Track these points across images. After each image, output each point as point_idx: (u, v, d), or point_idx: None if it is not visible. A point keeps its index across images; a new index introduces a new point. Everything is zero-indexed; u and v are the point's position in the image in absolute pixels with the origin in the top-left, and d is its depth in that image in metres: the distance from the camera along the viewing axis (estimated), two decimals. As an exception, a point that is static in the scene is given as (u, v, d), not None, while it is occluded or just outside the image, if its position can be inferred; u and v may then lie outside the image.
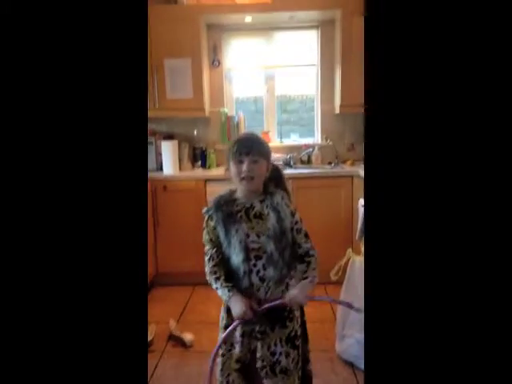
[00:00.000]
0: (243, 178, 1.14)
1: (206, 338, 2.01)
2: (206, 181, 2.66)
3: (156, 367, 1.85)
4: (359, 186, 2.52)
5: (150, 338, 2.01)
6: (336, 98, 2.93)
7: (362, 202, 1.97)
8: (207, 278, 1.18)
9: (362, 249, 1.78)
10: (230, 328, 1.11)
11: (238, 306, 1.11)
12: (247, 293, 1.13)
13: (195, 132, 3.07)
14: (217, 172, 2.81)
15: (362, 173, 2.51)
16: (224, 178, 2.59)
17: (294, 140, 3.16)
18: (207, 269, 1.18)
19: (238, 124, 3.03)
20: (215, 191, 2.57)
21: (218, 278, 1.15)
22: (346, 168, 2.79)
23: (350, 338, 1.75)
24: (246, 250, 1.12)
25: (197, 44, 2.74)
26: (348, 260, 1.78)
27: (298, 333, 1.19)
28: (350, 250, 1.82)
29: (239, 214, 1.16)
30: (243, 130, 3.06)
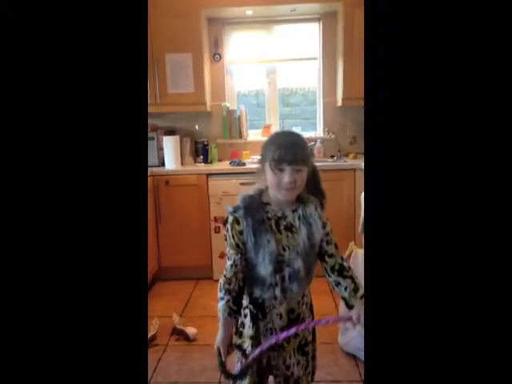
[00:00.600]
0: (283, 189, 1.01)
1: (209, 331, 2.02)
2: (208, 175, 2.66)
3: (159, 361, 1.86)
4: (361, 179, 2.52)
5: (153, 333, 2.02)
6: (338, 91, 2.91)
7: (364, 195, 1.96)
8: (221, 281, 1.07)
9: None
10: (252, 356, 1.03)
11: (220, 336, 1.05)
12: (269, 305, 1.06)
13: (197, 127, 3.07)
14: (218, 166, 2.81)
15: (364, 166, 2.50)
16: (226, 172, 2.63)
17: (296, 134, 3.14)
18: (227, 273, 1.06)
19: (239, 118, 3.02)
20: (217, 185, 2.62)
21: (228, 292, 1.05)
22: (349, 161, 2.78)
23: (353, 331, 1.75)
24: (276, 263, 1.02)
25: (197, 38, 2.73)
26: (350, 253, 1.78)
27: (308, 339, 1.15)
28: (352, 243, 1.82)
29: (269, 223, 1.04)
30: (245, 123, 3.05)
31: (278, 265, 1.03)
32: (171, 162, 2.75)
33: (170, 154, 2.75)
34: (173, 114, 3.03)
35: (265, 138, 3.07)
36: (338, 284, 1.08)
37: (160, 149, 2.86)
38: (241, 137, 3.04)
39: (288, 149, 1.00)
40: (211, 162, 2.93)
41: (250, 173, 2.64)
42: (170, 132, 2.98)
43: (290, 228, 1.05)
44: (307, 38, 3.04)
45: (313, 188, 1.10)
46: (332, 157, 2.96)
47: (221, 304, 1.05)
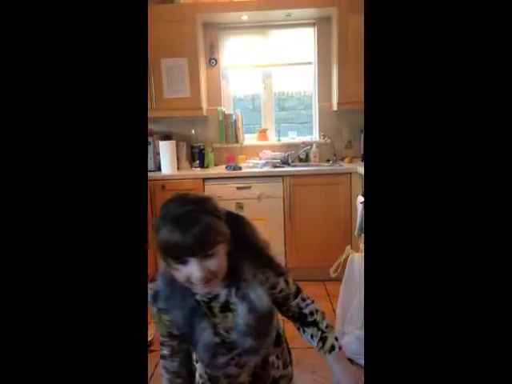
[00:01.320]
0: (196, 285, 0.76)
1: (206, 336, 2.01)
2: (204, 180, 2.66)
3: (156, 367, 1.85)
4: (357, 183, 2.52)
5: (149, 338, 2.01)
6: (333, 95, 2.93)
7: (360, 198, 1.97)
8: (166, 376, 0.89)
9: (361, 245, 1.78)
10: None
11: None
12: (227, 378, 0.90)
13: (193, 131, 3.07)
14: (215, 171, 2.81)
15: (360, 170, 2.51)
16: (222, 177, 2.63)
17: (292, 138, 3.16)
18: (168, 366, 0.88)
19: (235, 122, 3.03)
20: (213, 190, 2.61)
21: None
22: (345, 165, 2.79)
23: (349, 335, 1.75)
24: (213, 352, 0.83)
25: (193, 43, 2.74)
26: (347, 257, 1.78)
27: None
28: (348, 247, 1.82)
29: (201, 309, 0.82)
30: (241, 128, 3.05)
31: (229, 344, 0.84)
32: (167, 167, 2.75)
33: (166, 159, 2.75)
34: (169, 118, 3.03)
35: (261, 143, 3.05)
36: (304, 331, 0.92)
37: (156, 153, 2.86)
38: (237, 141, 3.05)
39: (185, 231, 0.70)
40: (207, 167, 2.93)
41: (247, 177, 2.66)
42: (166, 137, 2.98)
43: (227, 307, 0.82)
44: (302, 42, 3.06)
45: (248, 243, 0.83)
46: (328, 161, 2.97)
47: None
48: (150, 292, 0.83)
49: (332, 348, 0.90)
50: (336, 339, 0.92)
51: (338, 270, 1.80)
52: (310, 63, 3.09)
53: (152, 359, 1.89)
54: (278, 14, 2.85)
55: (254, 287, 0.81)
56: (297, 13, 2.83)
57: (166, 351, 0.87)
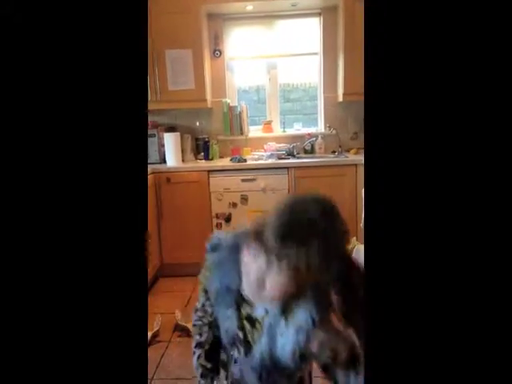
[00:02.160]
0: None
1: (211, 327, 2.03)
2: (209, 172, 2.65)
3: (162, 356, 1.87)
4: (363, 175, 2.51)
5: (156, 329, 2.03)
6: (339, 86, 2.90)
7: (365, 190, 1.96)
8: (192, 330, 0.84)
9: (367, 237, 1.78)
10: None
11: None
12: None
13: (197, 123, 3.06)
14: (220, 163, 2.80)
15: (365, 161, 2.49)
16: (227, 169, 2.63)
17: (297, 129, 3.14)
18: (195, 320, 0.83)
19: (240, 114, 3.01)
20: (218, 182, 2.62)
21: (199, 345, 0.82)
22: (350, 156, 2.78)
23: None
24: (232, 343, 0.76)
25: (198, 34, 2.72)
26: (352, 248, 1.78)
27: None
28: (354, 238, 1.82)
29: (236, 290, 0.75)
30: (246, 120, 3.04)
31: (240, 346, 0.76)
32: (172, 159, 2.75)
33: (170, 151, 2.75)
34: (173, 110, 3.03)
35: (266, 135, 3.04)
36: None
37: (161, 146, 2.86)
38: (242, 133, 3.04)
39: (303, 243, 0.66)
40: (212, 159, 2.93)
41: (251, 169, 2.65)
42: (171, 129, 2.97)
43: (255, 322, 0.74)
44: (308, 32, 3.03)
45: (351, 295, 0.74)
46: (333, 152, 2.95)
47: (193, 360, 0.83)
48: (213, 237, 0.78)
49: None
50: None
51: (344, 262, 1.80)
52: (315, 54, 3.06)
53: (158, 350, 1.91)
54: (284, 4, 2.82)
55: (301, 333, 0.70)
56: (302, 2, 2.80)
57: (197, 304, 0.83)
